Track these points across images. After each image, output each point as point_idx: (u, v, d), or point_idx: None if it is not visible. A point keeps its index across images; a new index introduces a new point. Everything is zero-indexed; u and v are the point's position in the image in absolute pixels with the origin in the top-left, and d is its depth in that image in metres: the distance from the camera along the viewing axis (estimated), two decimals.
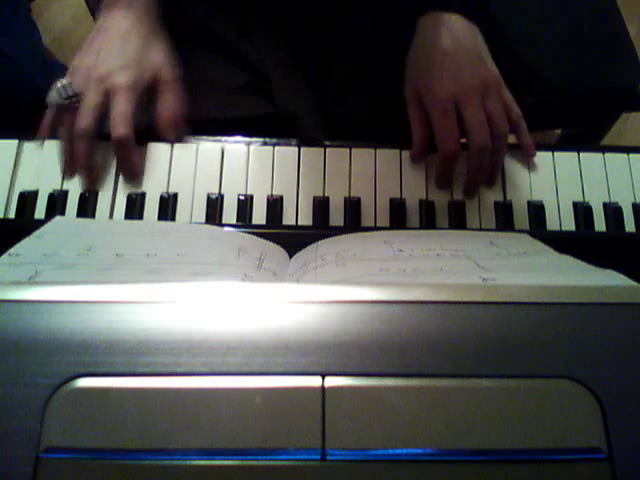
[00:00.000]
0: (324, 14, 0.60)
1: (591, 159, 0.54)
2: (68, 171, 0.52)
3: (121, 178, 0.52)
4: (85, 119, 0.49)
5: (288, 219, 0.51)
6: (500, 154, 0.51)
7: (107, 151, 0.53)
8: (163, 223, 0.51)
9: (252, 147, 0.54)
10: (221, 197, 0.52)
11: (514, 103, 0.52)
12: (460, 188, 0.53)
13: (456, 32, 0.51)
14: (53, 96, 0.50)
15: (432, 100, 0.50)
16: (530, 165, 0.54)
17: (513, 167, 0.54)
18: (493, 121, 0.49)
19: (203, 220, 0.51)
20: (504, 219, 0.52)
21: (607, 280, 0.30)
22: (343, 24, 0.61)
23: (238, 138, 0.54)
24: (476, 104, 0.49)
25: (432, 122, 0.50)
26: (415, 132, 0.53)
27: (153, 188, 0.52)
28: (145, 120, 0.53)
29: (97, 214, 0.51)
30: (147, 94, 0.52)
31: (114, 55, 0.50)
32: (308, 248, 0.43)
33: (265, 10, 0.61)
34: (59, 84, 0.50)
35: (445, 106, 0.49)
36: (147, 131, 0.53)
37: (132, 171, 0.52)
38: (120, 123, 0.49)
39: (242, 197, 0.52)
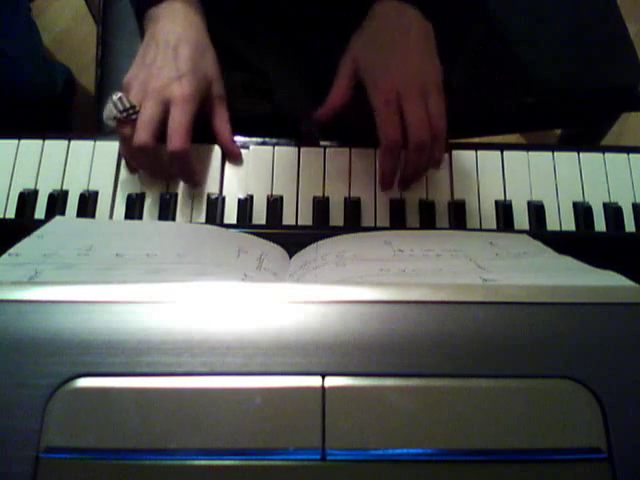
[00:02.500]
0: (324, 14, 0.60)
1: (591, 159, 0.54)
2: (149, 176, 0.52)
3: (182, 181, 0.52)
4: (143, 133, 0.47)
5: (288, 219, 0.51)
6: (436, 152, 0.50)
7: (106, 149, 0.53)
8: (163, 223, 0.51)
9: (252, 147, 0.54)
10: (221, 197, 0.52)
11: (444, 110, 0.50)
12: (460, 187, 0.53)
13: (409, 25, 0.50)
14: (109, 110, 0.48)
15: (375, 90, 0.49)
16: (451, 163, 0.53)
17: (513, 167, 0.54)
18: (433, 119, 0.48)
19: (203, 220, 0.51)
20: (504, 219, 0.52)
21: (607, 281, 0.29)
22: (343, 23, 0.61)
23: (238, 138, 0.54)
24: (418, 99, 0.48)
25: (375, 112, 0.49)
26: (337, 88, 0.51)
27: (153, 188, 0.52)
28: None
29: (97, 214, 0.51)
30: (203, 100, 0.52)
31: (169, 66, 0.49)
32: (308, 248, 0.43)
33: (265, 10, 0.61)
34: (114, 97, 0.48)
35: (388, 97, 0.48)
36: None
37: (191, 179, 0.52)
38: (176, 135, 0.48)
39: (242, 197, 0.52)
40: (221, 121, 0.53)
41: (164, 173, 0.52)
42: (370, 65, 0.50)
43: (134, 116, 0.48)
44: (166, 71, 0.49)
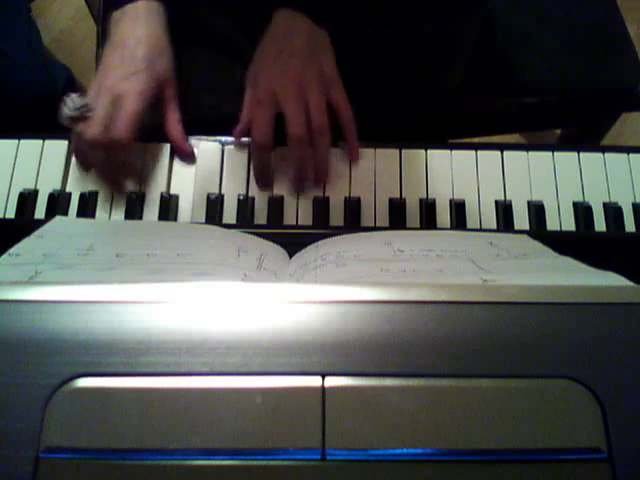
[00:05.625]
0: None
1: (591, 159, 0.54)
2: (100, 178, 0.52)
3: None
4: (95, 127, 0.49)
5: (288, 219, 0.52)
6: (321, 149, 0.51)
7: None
8: (163, 223, 0.51)
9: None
10: (221, 197, 0.52)
11: (347, 105, 0.51)
12: (460, 187, 0.53)
13: (295, 30, 0.51)
14: (63, 111, 0.50)
15: (253, 89, 0.50)
16: (352, 167, 0.53)
17: (513, 167, 0.54)
18: (311, 115, 0.49)
19: (203, 220, 0.51)
20: (504, 219, 0.52)
21: (606, 281, 0.29)
22: (342, 18, 0.61)
23: None
24: (295, 96, 0.49)
25: (246, 111, 0.51)
26: (242, 120, 0.52)
27: (153, 188, 0.52)
28: (147, 121, 0.52)
29: (97, 214, 0.51)
30: (155, 97, 0.53)
31: (123, 65, 0.51)
32: (308, 248, 0.43)
33: (266, 8, 0.61)
34: (67, 98, 0.49)
35: (261, 96, 0.49)
36: (149, 131, 0.52)
37: (123, 172, 0.52)
38: (119, 124, 0.49)
39: (242, 197, 0.52)
40: (172, 121, 0.54)
41: (114, 174, 0.52)
42: (253, 73, 0.51)
43: (88, 114, 0.49)
44: (120, 69, 0.50)
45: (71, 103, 0.49)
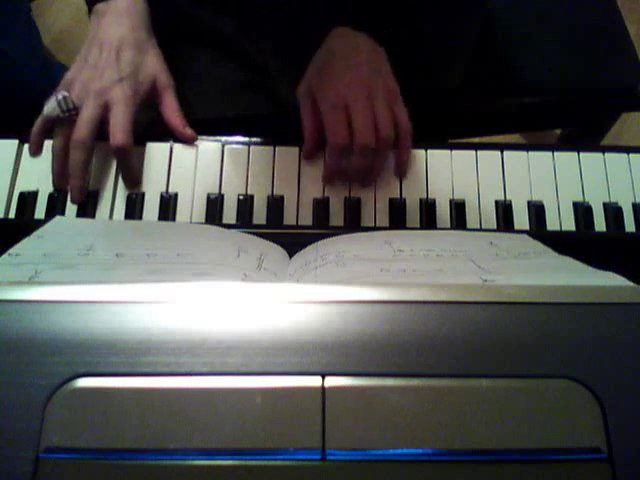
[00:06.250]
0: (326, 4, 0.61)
1: (591, 159, 0.54)
2: (58, 182, 0.52)
3: (121, 178, 0.53)
4: (83, 131, 0.50)
5: (288, 219, 0.52)
6: (382, 157, 0.52)
7: (106, 149, 0.53)
8: (163, 223, 0.51)
9: (252, 147, 0.54)
10: (221, 197, 0.52)
11: (406, 119, 0.52)
12: (460, 187, 0.53)
13: (360, 47, 0.52)
14: (52, 108, 0.51)
15: (323, 97, 0.51)
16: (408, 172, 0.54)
17: (513, 167, 0.54)
18: (378, 124, 0.50)
19: (203, 220, 0.51)
20: (504, 219, 0.52)
21: (606, 281, 0.29)
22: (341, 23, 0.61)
23: (238, 138, 0.54)
24: (364, 104, 0.49)
25: (323, 118, 0.51)
26: (306, 129, 0.53)
27: (153, 188, 0.52)
28: (143, 121, 0.53)
29: (97, 214, 0.51)
30: (146, 99, 0.53)
31: (110, 68, 0.51)
32: (308, 248, 0.43)
33: (266, 9, 0.61)
34: (59, 96, 0.50)
35: (335, 102, 0.50)
36: (147, 131, 0.53)
37: (132, 175, 0.53)
38: (119, 132, 0.50)
39: (242, 197, 0.52)
40: (170, 109, 0.54)
41: (83, 178, 0.52)
42: (320, 83, 0.51)
43: (75, 117, 0.50)
44: (108, 73, 0.51)
45: (64, 104, 0.50)
